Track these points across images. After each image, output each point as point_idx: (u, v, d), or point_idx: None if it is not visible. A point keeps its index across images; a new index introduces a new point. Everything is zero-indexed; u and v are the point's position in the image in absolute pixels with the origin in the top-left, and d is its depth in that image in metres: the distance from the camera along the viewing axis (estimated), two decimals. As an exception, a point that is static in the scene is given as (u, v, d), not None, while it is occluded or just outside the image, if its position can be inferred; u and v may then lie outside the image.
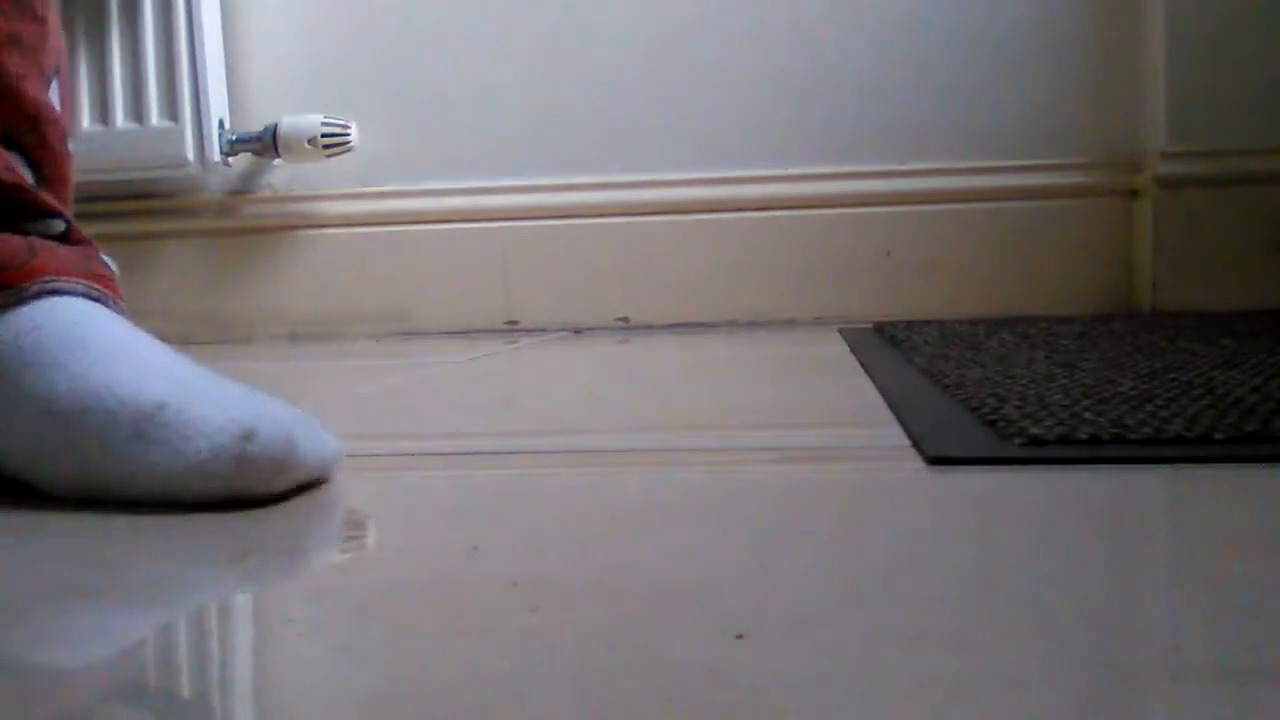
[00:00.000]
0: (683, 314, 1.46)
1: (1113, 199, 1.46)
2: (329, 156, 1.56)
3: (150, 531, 0.43)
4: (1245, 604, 0.29)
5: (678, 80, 1.50)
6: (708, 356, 1.08)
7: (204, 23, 1.53)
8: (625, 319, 1.51)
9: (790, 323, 1.46)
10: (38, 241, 0.56)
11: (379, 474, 0.54)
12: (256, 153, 1.57)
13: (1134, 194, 1.45)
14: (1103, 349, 0.88)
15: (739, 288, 1.46)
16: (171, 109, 1.52)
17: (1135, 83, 1.44)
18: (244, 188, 1.62)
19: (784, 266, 1.47)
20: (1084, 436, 0.49)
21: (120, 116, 1.52)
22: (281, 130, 1.55)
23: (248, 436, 0.46)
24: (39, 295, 0.54)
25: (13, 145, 0.57)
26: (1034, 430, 0.50)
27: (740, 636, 0.28)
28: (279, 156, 1.56)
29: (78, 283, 0.58)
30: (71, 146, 0.61)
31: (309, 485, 0.49)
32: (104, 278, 0.62)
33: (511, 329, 1.53)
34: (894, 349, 0.98)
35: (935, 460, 0.48)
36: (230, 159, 1.57)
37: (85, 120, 1.53)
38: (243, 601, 0.34)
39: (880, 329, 1.21)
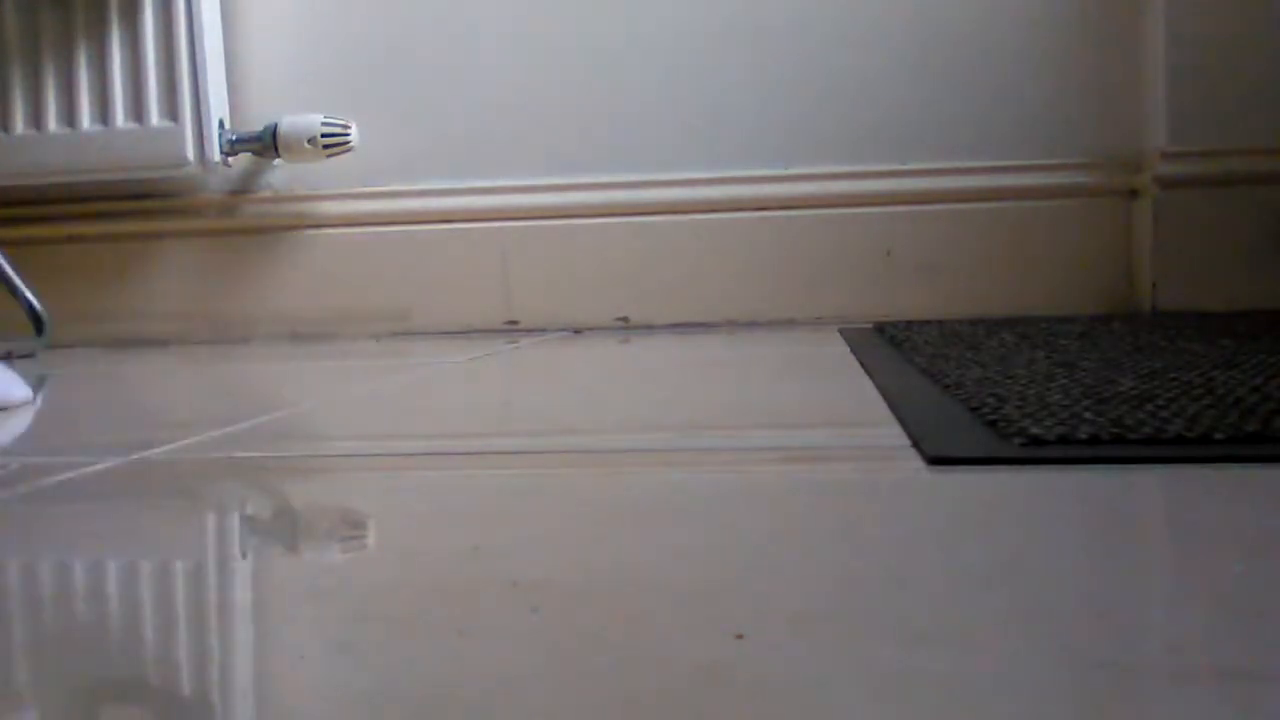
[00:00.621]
0: (683, 314, 1.46)
1: (1112, 199, 1.46)
2: (329, 156, 1.56)
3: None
4: (1245, 604, 0.29)
5: (678, 80, 1.50)
6: (708, 356, 1.08)
7: (204, 22, 1.53)
8: (625, 319, 1.51)
9: (790, 323, 1.46)
10: None
11: (379, 474, 0.54)
12: (256, 153, 1.57)
13: (1134, 194, 1.45)
14: (1103, 349, 0.88)
15: (739, 288, 1.46)
16: (171, 109, 1.52)
17: (1135, 83, 1.44)
18: (244, 188, 1.62)
19: (784, 266, 1.47)
20: (1084, 436, 0.49)
21: (120, 116, 1.52)
22: (281, 130, 1.55)
23: None
24: None
25: None
26: (1034, 430, 0.50)
27: (740, 636, 0.28)
28: (279, 156, 1.56)
29: None
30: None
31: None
32: None
33: (511, 329, 1.53)
34: (894, 349, 0.98)
35: (935, 460, 0.48)
36: (230, 159, 1.57)
37: (85, 120, 1.53)
38: (243, 600, 0.34)
39: (880, 329, 1.21)
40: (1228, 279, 1.37)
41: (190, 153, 1.51)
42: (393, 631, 0.30)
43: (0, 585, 0.36)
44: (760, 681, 0.25)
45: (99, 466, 0.56)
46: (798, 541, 0.38)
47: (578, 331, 1.48)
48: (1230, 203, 1.38)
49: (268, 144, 1.55)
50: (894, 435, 0.56)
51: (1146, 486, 0.44)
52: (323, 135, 1.54)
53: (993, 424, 0.53)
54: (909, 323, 1.30)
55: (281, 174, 1.61)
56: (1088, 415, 0.54)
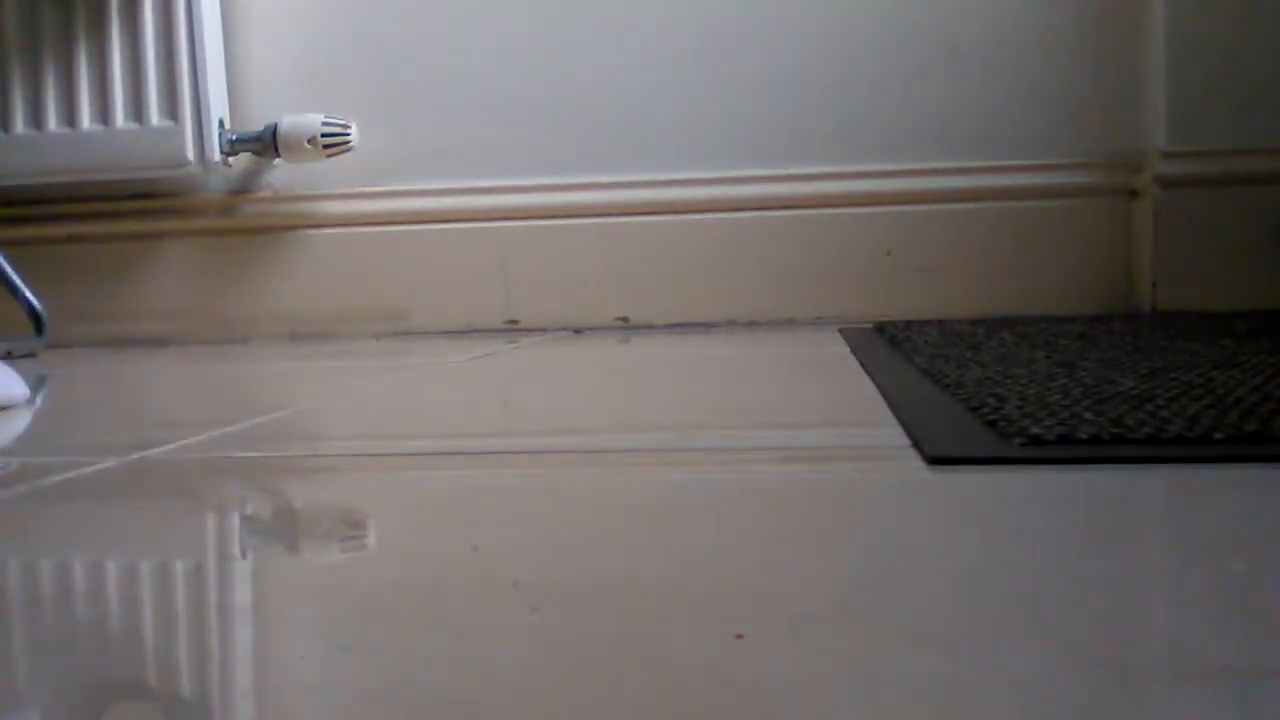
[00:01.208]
0: (683, 314, 1.46)
1: (1113, 199, 1.46)
2: (329, 156, 1.56)
3: None
4: (1245, 604, 0.29)
5: (678, 80, 1.50)
6: (707, 356, 1.08)
7: (204, 22, 1.53)
8: (625, 319, 1.51)
9: (790, 323, 1.46)
10: None
11: (379, 474, 0.54)
12: (256, 152, 1.57)
13: (1134, 194, 1.45)
14: (1103, 349, 0.88)
15: (739, 288, 1.46)
16: (171, 109, 1.52)
17: (1135, 83, 1.44)
18: (244, 187, 1.62)
19: (784, 266, 1.47)
20: (1084, 436, 0.49)
21: (120, 116, 1.52)
22: (281, 130, 1.55)
23: None
24: None
25: None
26: (1034, 430, 0.50)
27: (740, 636, 0.28)
28: (279, 156, 1.56)
29: None
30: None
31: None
32: None
33: (511, 329, 1.53)
34: (894, 349, 0.98)
35: (935, 460, 0.48)
36: (230, 159, 1.57)
37: (85, 120, 1.53)
38: (243, 600, 0.34)
39: (880, 329, 1.21)
40: (1228, 279, 1.37)
41: (190, 153, 1.51)
42: (393, 631, 0.30)
43: (0, 585, 0.36)
44: (760, 681, 0.25)
45: (99, 466, 0.56)
46: (798, 541, 0.38)
47: (578, 331, 1.48)
48: (1230, 203, 1.38)
49: (268, 144, 1.55)
50: (894, 435, 0.56)
51: (1147, 486, 0.44)
52: (323, 135, 1.54)
53: (993, 424, 0.53)
54: (909, 323, 1.30)
55: (281, 174, 1.61)
56: (1088, 415, 0.54)
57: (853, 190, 1.47)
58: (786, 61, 1.48)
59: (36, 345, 1.45)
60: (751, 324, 1.46)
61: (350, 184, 1.59)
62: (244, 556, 0.39)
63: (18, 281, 1.47)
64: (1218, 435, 0.49)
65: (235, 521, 0.46)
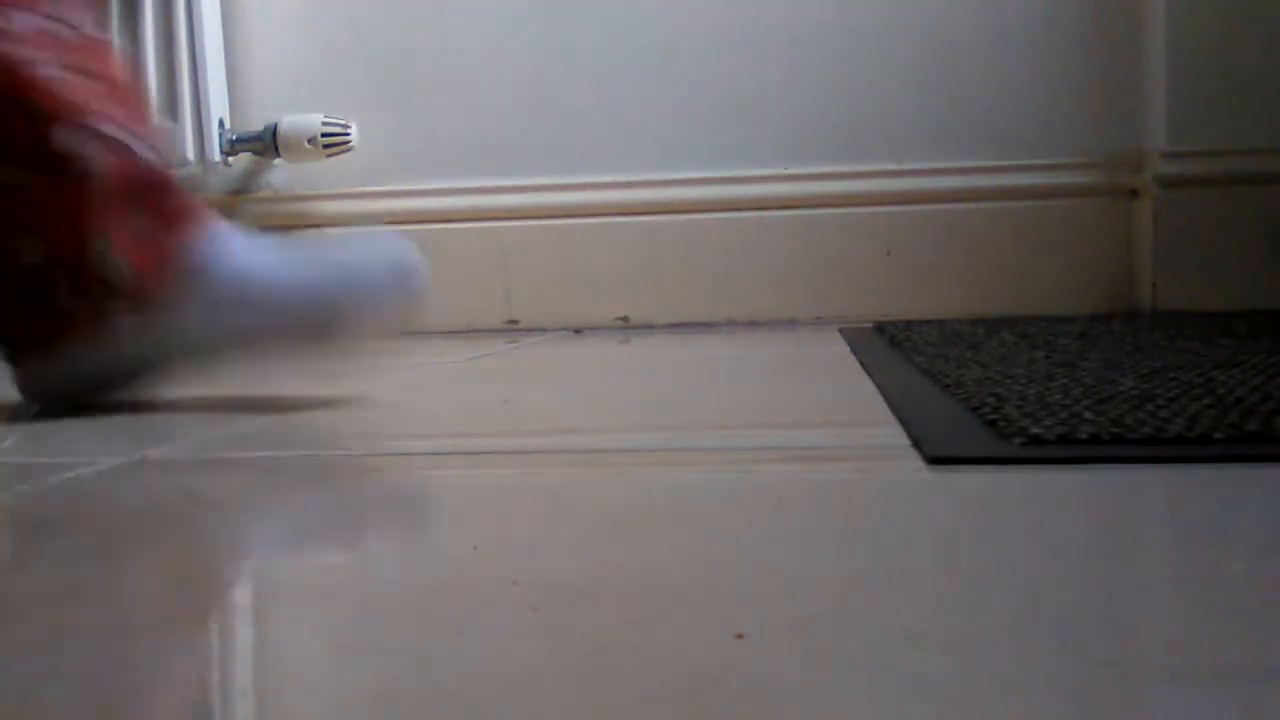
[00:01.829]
0: (683, 314, 1.46)
1: (1113, 199, 1.46)
2: (329, 156, 1.56)
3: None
4: (1245, 604, 0.29)
5: (678, 80, 1.50)
6: (707, 356, 1.08)
7: (204, 22, 1.53)
8: (625, 319, 1.51)
9: (790, 323, 1.46)
10: None
11: (379, 474, 0.54)
12: (256, 152, 1.57)
13: (1134, 194, 1.45)
14: (1103, 349, 0.88)
15: (739, 288, 1.46)
16: (171, 108, 1.52)
17: (1135, 82, 1.44)
18: (244, 187, 1.62)
19: (784, 266, 1.47)
20: (1084, 436, 0.49)
21: (120, 116, 1.52)
22: (281, 130, 1.55)
23: None
24: None
25: None
26: (1034, 430, 0.50)
27: (740, 636, 0.28)
28: (279, 156, 1.56)
29: None
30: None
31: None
32: None
33: (512, 328, 1.53)
34: (894, 349, 0.98)
35: (935, 460, 0.48)
36: (230, 159, 1.57)
37: (85, 120, 1.53)
38: (243, 600, 0.34)
39: (880, 329, 1.21)
40: (1228, 279, 1.37)
41: (190, 152, 1.51)
42: (393, 631, 0.30)
43: (1, 585, 0.37)
44: (760, 681, 0.25)
45: (99, 466, 0.56)
46: (798, 541, 0.38)
47: (578, 331, 1.48)
48: (1230, 203, 1.38)
49: (268, 144, 1.55)
50: (894, 435, 0.56)
51: (1147, 486, 0.44)
52: (323, 135, 1.54)
53: (992, 424, 0.53)
54: (909, 322, 1.30)
55: (281, 174, 1.61)
56: (1088, 415, 0.54)
57: (853, 190, 1.47)
58: (785, 61, 1.48)
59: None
60: (752, 324, 1.46)
61: (350, 184, 1.59)
62: (244, 556, 0.39)
63: (18, 281, 1.47)
64: (1218, 435, 0.49)
65: (235, 521, 0.46)
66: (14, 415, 0.70)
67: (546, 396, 0.84)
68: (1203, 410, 0.54)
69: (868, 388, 0.75)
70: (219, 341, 0.72)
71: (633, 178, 1.51)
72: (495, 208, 1.55)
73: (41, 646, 0.30)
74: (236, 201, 1.63)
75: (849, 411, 0.69)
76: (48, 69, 0.72)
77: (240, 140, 1.56)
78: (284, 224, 1.61)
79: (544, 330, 1.50)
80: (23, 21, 0.72)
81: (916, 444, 0.52)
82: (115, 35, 1.52)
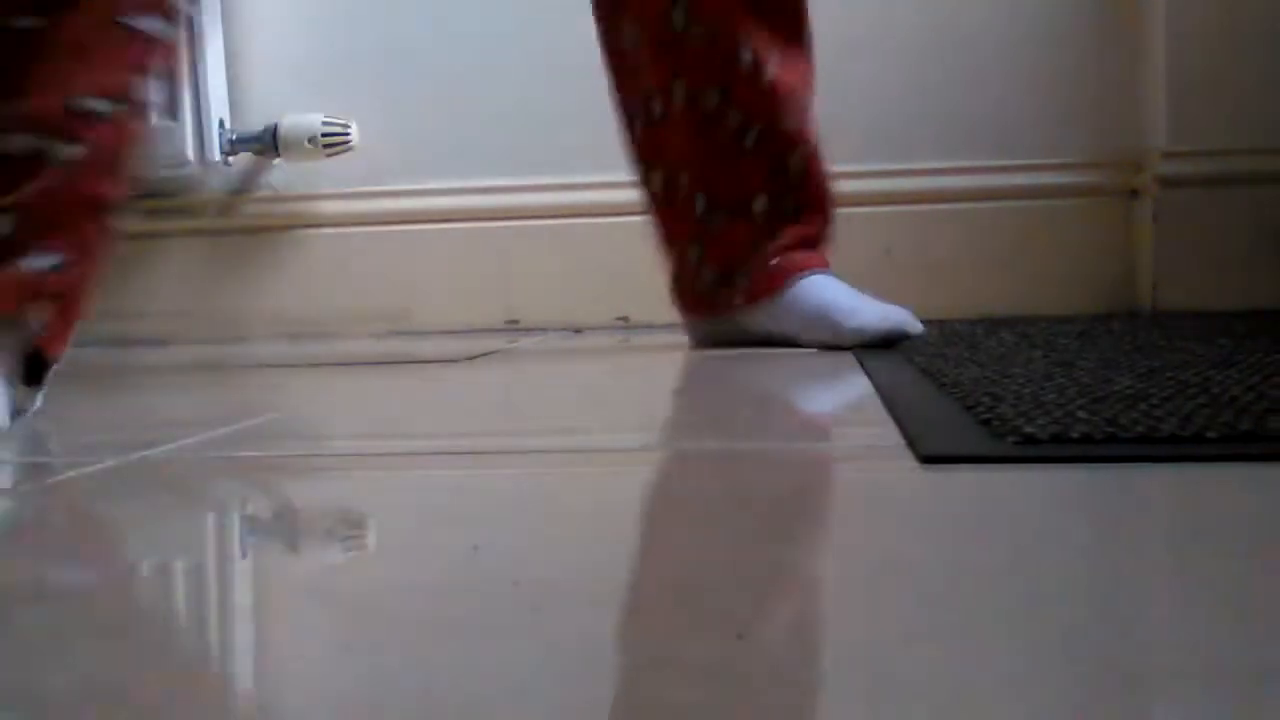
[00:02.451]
0: (655, 313, 1.46)
1: (1113, 199, 1.46)
2: (329, 156, 1.56)
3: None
4: (1243, 603, 0.30)
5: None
6: (707, 356, 1.09)
7: (204, 22, 1.53)
8: (625, 318, 1.51)
9: (790, 322, 1.46)
10: None
11: (379, 473, 0.54)
12: (256, 152, 1.57)
13: (1134, 194, 1.45)
14: (1101, 348, 0.88)
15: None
16: (171, 108, 1.52)
17: (1136, 82, 1.44)
18: (244, 187, 1.62)
19: (784, 266, 1.47)
20: (1077, 435, 0.49)
21: (121, 116, 1.53)
22: (281, 130, 1.55)
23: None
24: None
25: None
26: (1028, 429, 0.50)
27: (740, 636, 0.28)
28: (279, 156, 1.56)
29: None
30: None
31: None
32: None
33: (512, 328, 1.53)
34: (893, 348, 0.98)
35: (928, 459, 0.48)
36: (230, 158, 1.58)
37: (86, 120, 1.53)
38: (243, 600, 0.35)
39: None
40: (1228, 279, 1.38)
41: (190, 152, 1.52)
42: (393, 631, 0.30)
43: (1, 584, 0.37)
44: (760, 681, 0.25)
45: (99, 466, 0.56)
46: (795, 541, 0.38)
47: (578, 331, 1.48)
48: (1230, 203, 1.38)
49: (268, 144, 1.55)
50: (890, 435, 0.56)
51: (1139, 485, 0.44)
52: (323, 135, 1.54)
53: (987, 423, 0.53)
54: (908, 322, 1.30)
55: (281, 174, 1.61)
56: (1082, 414, 0.54)
57: (853, 190, 1.47)
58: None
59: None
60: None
61: (350, 184, 1.59)
62: (244, 556, 0.40)
63: (19, 281, 1.47)
64: (1211, 434, 0.49)
65: (235, 521, 0.46)
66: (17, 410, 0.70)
67: (546, 396, 0.84)
68: (1197, 409, 0.54)
69: (866, 387, 0.75)
70: (792, 336, 1.06)
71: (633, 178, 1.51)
72: (496, 207, 1.56)
73: (41, 647, 0.30)
74: (236, 201, 1.63)
75: (847, 411, 0.69)
76: None
77: (240, 140, 1.56)
78: (284, 224, 1.61)
79: (544, 330, 1.51)
80: None
81: (911, 443, 0.52)
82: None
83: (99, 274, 0.80)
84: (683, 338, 1.32)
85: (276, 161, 1.59)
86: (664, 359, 1.08)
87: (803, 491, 0.47)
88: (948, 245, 1.47)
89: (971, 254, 1.47)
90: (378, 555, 0.40)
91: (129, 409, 0.84)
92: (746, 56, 1.10)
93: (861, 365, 0.88)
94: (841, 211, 1.47)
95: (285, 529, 0.44)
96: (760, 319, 1.09)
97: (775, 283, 1.08)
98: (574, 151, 1.52)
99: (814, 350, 1.04)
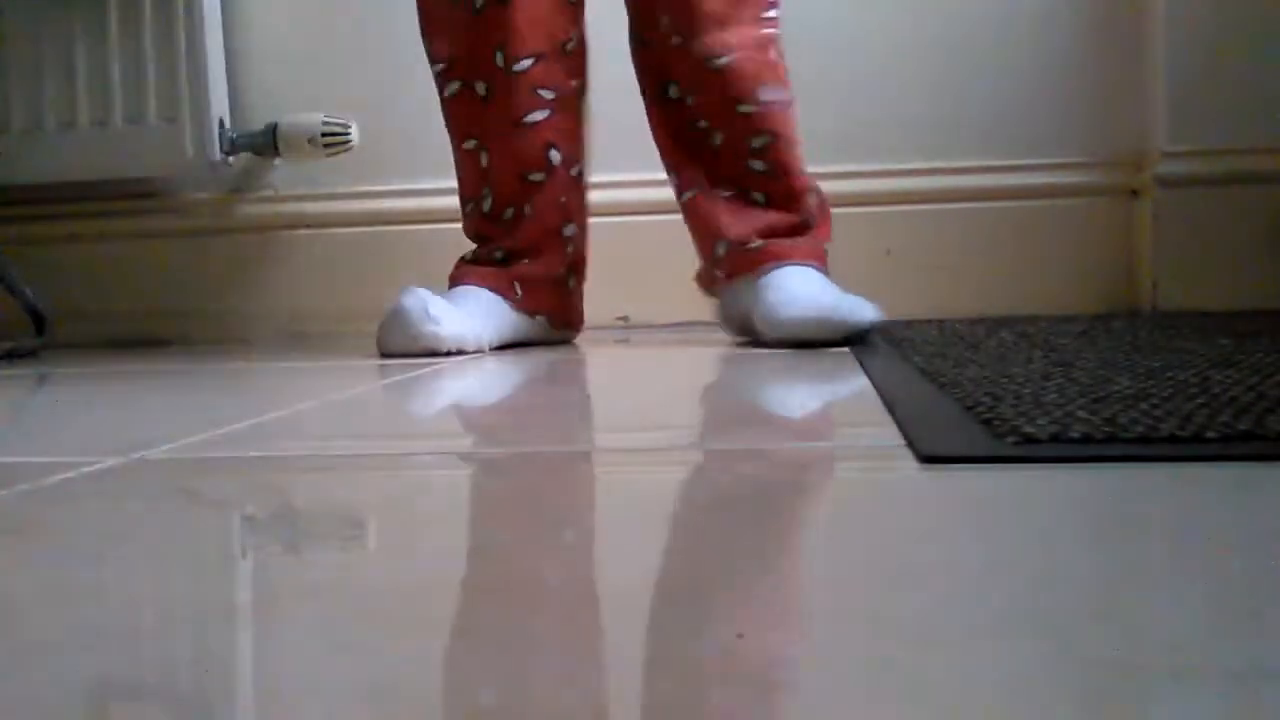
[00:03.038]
0: (683, 314, 1.46)
1: (1113, 198, 1.46)
2: (329, 156, 1.56)
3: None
4: (1242, 602, 0.30)
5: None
6: (707, 356, 1.09)
7: (204, 22, 1.53)
8: (625, 318, 1.51)
9: (790, 322, 1.46)
10: None
11: (379, 473, 0.54)
12: (256, 152, 1.57)
13: (1134, 193, 1.45)
14: (1100, 348, 0.88)
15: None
16: (171, 108, 1.52)
17: (1136, 82, 1.44)
18: (244, 187, 1.63)
19: (783, 266, 1.47)
20: (1077, 435, 0.49)
21: (120, 116, 1.53)
22: (281, 130, 1.55)
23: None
24: None
25: None
26: (1027, 429, 0.50)
27: (740, 636, 0.28)
28: (279, 156, 1.56)
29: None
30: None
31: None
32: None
33: (512, 328, 1.53)
34: (893, 348, 0.98)
35: (927, 459, 0.48)
36: (230, 158, 1.58)
37: (86, 120, 1.54)
38: (243, 600, 0.35)
39: (880, 328, 1.21)
40: (1228, 278, 1.38)
41: (190, 152, 1.52)
42: (393, 631, 0.30)
43: (0, 585, 0.37)
44: (760, 681, 0.25)
45: (99, 466, 0.56)
46: (794, 541, 0.38)
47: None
48: (1230, 203, 1.38)
49: (268, 144, 1.56)
50: (889, 435, 0.56)
51: (1137, 485, 0.44)
52: (323, 135, 1.54)
53: (987, 423, 0.53)
54: (909, 322, 1.30)
55: (281, 174, 1.61)
56: (1081, 414, 0.54)
57: (853, 190, 1.47)
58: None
59: (37, 345, 1.46)
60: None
61: (350, 184, 1.59)
62: (244, 556, 0.40)
63: (18, 281, 1.47)
64: (1210, 434, 0.49)
65: (235, 521, 0.46)
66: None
67: (546, 396, 0.84)
68: (1196, 409, 0.54)
69: (865, 387, 0.75)
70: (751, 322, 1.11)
71: (633, 177, 1.51)
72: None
73: (41, 648, 0.30)
74: (236, 201, 1.63)
75: (846, 411, 0.69)
76: None
77: (240, 140, 1.56)
78: (284, 224, 1.61)
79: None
80: None
81: (910, 443, 0.52)
82: (115, 35, 1.53)
83: None
84: (681, 337, 1.32)
85: (276, 161, 1.59)
86: (662, 359, 1.08)
87: (801, 491, 0.47)
88: (948, 245, 1.47)
89: (971, 254, 1.47)
90: (378, 555, 0.40)
91: (129, 409, 0.84)
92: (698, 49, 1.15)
93: (861, 365, 0.88)
94: (841, 211, 1.47)
95: (285, 528, 0.44)
96: (736, 298, 1.13)
97: (750, 265, 1.13)
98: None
99: (813, 350, 1.04)
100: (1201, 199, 1.38)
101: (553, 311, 1.24)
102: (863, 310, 1.08)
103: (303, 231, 1.61)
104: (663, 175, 1.50)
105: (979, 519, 0.40)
